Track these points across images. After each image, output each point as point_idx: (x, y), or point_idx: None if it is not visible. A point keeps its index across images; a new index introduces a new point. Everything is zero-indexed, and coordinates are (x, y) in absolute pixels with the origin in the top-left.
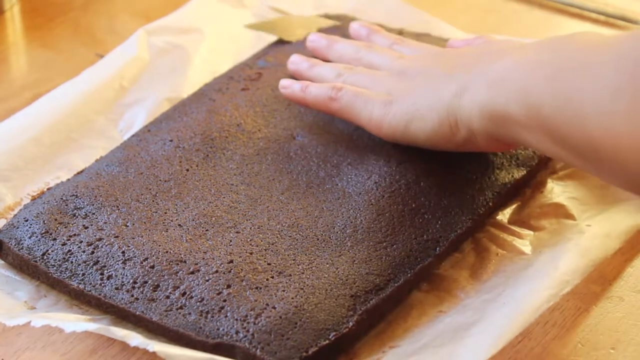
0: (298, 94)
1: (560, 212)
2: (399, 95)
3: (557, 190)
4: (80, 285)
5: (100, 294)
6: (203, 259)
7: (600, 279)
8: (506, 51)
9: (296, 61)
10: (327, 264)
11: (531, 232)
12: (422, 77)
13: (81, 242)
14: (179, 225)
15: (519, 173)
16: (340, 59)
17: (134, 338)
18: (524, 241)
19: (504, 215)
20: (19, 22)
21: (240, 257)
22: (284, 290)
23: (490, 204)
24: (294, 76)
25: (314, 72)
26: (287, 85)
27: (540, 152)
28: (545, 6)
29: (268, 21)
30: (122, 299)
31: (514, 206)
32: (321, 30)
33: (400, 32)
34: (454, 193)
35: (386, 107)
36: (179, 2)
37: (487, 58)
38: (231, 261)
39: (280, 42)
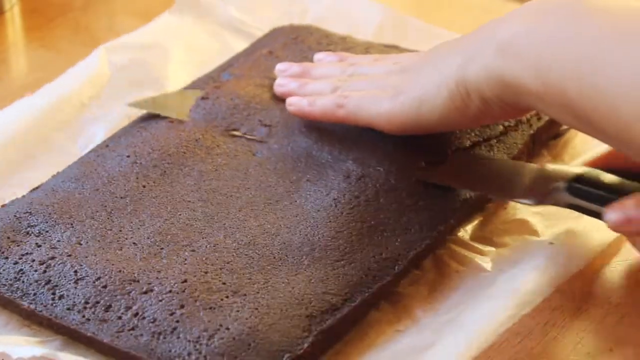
0: (306, 109)
1: (524, 228)
2: (405, 85)
3: (520, 205)
4: (31, 306)
5: (51, 315)
6: (157, 278)
7: (600, 280)
8: (512, 14)
9: (283, 83)
10: (283, 283)
11: (493, 249)
12: (426, 64)
13: (33, 260)
14: (134, 243)
15: None
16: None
17: None
18: (485, 257)
19: (466, 232)
20: (19, 23)
21: (195, 276)
22: (238, 311)
23: (451, 220)
24: (283, 98)
25: (307, 91)
26: (294, 103)
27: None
28: None
29: (148, 99)
30: (74, 319)
31: (476, 222)
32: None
33: (369, 46)
34: (413, 210)
35: (393, 100)
36: None
37: (491, 24)
38: (185, 280)
39: (246, 53)
